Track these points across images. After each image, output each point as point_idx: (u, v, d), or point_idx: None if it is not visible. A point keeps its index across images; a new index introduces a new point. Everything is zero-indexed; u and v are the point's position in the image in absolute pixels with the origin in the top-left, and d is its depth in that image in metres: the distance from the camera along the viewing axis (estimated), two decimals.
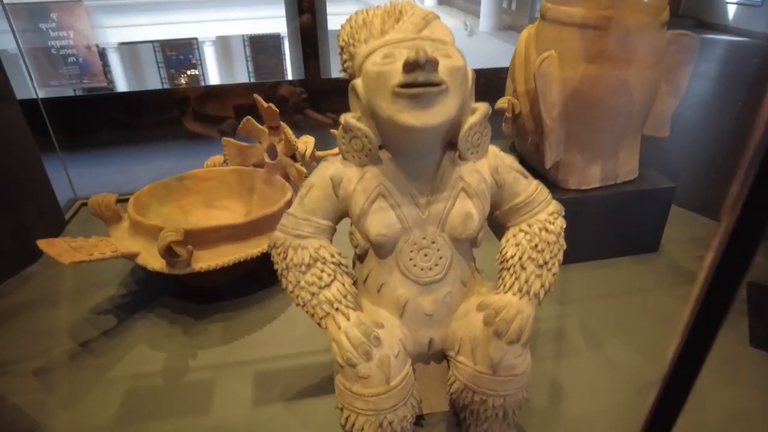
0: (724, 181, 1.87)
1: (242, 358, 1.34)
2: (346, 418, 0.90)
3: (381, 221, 0.91)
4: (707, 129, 1.86)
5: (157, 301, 1.56)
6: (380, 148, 0.91)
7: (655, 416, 0.44)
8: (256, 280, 1.62)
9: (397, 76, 0.79)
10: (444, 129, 0.86)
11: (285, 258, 0.94)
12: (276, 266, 0.96)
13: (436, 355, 1.04)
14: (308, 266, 0.92)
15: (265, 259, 1.45)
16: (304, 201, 0.95)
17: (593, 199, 1.58)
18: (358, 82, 0.89)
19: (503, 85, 1.75)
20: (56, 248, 1.28)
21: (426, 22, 0.92)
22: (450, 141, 0.92)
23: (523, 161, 1.70)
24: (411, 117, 0.80)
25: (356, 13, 0.96)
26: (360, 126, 0.88)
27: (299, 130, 1.80)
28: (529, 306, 0.92)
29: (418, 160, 0.91)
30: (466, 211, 0.92)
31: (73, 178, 2.38)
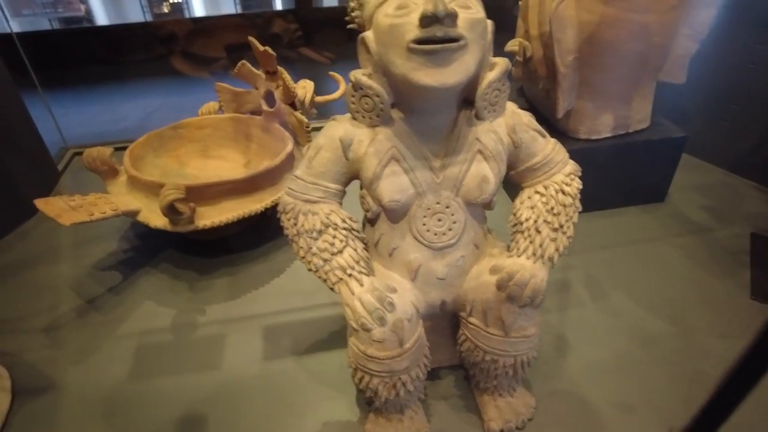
0: (736, 129, 1.82)
1: (250, 312, 1.35)
2: (360, 379, 0.92)
3: (394, 186, 0.88)
4: (721, 75, 1.78)
5: (160, 255, 1.55)
6: (392, 106, 0.86)
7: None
8: (260, 233, 1.60)
9: (413, 30, 0.73)
10: (462, 87, 0.81)
11: (296, 224, 0.91)
12: (286, 231, 0.93)
13: (447, 315, 1.05)
14: (320, 232, 0.90)
15: (267, 213, 1.43)
16: (312, 164, 0.91)
17: (603, 149, 1.53)
18: (368, 35, 0.82)
19: (514, 24, 1.65)
20: (54, 209, 1.24)
21: None
22: (466, 98, 0.87)
23: (532, 107, 1.64)
24: (427, 76, 0.75)
25: None
26: (371, 84, 0.82)
27: (293, 70, 1.70)
28: (542, 270, 0.91)
29: (432, 120, 0.86)
30: (483, 174, 0.89)
31: (57, 118, 2.27)
